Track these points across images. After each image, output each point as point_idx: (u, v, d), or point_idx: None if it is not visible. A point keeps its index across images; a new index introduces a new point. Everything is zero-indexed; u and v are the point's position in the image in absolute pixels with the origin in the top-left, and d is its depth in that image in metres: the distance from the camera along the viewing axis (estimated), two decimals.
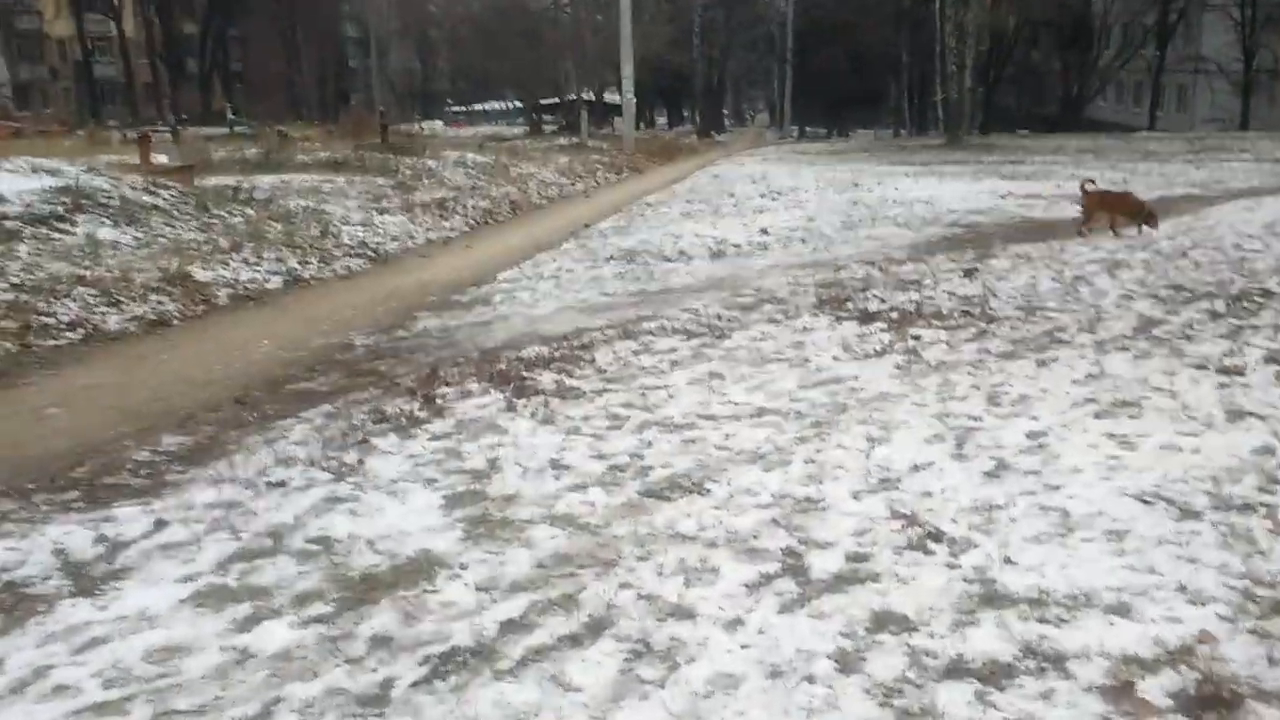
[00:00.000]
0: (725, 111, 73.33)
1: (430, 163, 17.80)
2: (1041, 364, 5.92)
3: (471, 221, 13.80)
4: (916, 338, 6.64)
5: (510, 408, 5.23)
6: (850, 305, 7.66)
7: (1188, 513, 3.76)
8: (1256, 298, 7.57)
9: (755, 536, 3.68)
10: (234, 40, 63.48)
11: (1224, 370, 5.60)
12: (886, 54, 51.68)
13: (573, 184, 20.00)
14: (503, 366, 6.01)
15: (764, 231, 12.11)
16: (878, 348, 6.44)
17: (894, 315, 7.27)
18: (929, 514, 3.83)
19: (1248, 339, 6.33)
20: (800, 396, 5.39)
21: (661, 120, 69.77)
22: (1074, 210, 13.80)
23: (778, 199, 16.24)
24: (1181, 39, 46.02)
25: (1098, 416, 4.93)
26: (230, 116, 39.65)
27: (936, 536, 3.63)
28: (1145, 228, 11.22)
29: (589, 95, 53.65)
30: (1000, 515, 3.80)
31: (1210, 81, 44.34)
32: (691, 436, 4.77)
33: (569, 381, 5.73)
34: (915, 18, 45.15)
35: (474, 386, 5.59)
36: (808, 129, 57.39)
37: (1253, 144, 31.64)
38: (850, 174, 21.66)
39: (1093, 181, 12.06)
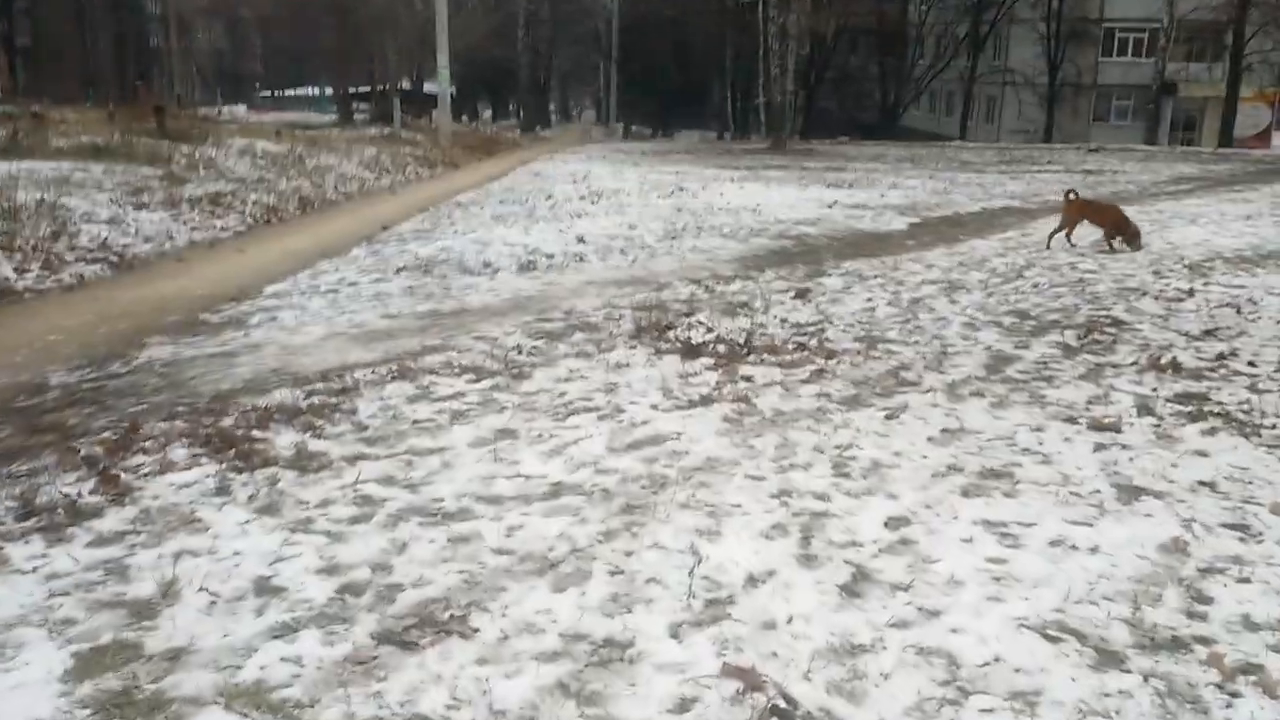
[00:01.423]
0: (552, 107, 72.03)
1: (211, 151, 15.89)
2: (891, 415, 5.02)
3: (250, 220, 12.14)
4: (748, 379, 5.67)
5: (222, 488, 3.92)
6: (673, 334, 6.63)
7: (1107, 657, 2.84)
8: (1107, 328, 6.97)
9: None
10: (20, 12, 57.76)
11: (1097, 426, 4.83)
12: (711, 53, 51.60)
13: (378, 179, 18.40)
14: (229, 421, 4.67)
15: (581, 240, 11.01)
16: (704, 391, 5.42)
17: (721, 349, 6.28)
18: (774, 664, 2.79)
19: (1111, 382, 5.64)
20: (609, 466, 4.29)
21: (486, 114, 67.90)
22: (900, 223, 13.33)
23: (598, 202, 15.18)
24: (991, 50, 47.67)
25: (966, 494, 4.03)
26: None
27: (786, 712, 2.58)
28: (1117, 244, 10.74)
29: (406, 85, 51.44)
30: (868, 665, 2.79)
31: (1018, 93, 46.10)
32: (463, 532, 3.60)
33: (314, 444, 4.45)
34: (740, 19, 45.08)
35: (180, 454, 4.24)
36: (634, 127, 56.79)
37: (1059, 155, 32.78)
38: (675, 176, 20.86)
39: (1075, 192, 11.48)
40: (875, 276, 9.12)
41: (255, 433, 4.52)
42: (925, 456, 4.46)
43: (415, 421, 4.82)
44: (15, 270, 7.87)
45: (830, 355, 6.19)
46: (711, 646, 2.87)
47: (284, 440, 4.45)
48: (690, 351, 6.20)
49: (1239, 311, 7.50)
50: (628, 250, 10.49)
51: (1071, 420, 4.95)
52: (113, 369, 5.76)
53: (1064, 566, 3.37)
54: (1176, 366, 5.94)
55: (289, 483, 4.00)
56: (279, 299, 7.85)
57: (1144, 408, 5.16)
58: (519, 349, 6.24)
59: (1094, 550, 3.49)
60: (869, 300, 8.01)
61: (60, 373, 5.66)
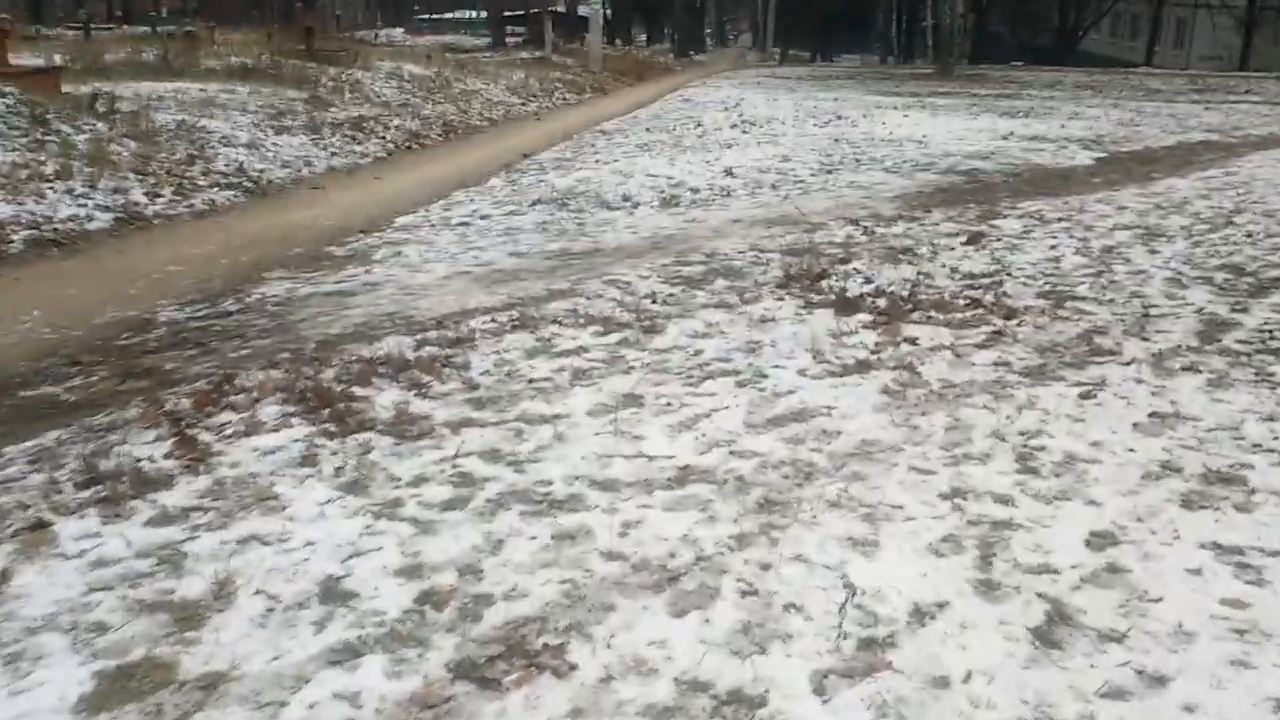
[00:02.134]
0: (708, 32, 70.36)
1: (359, 74, 15.70)
2: (1086, 394, 4.22)
3: (391, 146, 11.86)
4: (912, 341, 4.93)
5: (309, 457, 3.48)
6: (826, 285, 5.91)
7: None
8: None
9: None
10: None
11: None
12: None
13: (524, 104, 17.96)
14: (330, 374, 4.24)
15: (729, 173, 10.27)
16: (861, 355, 4.72)
17: (881, 303, 5.54)
18: None
19: None
20: (746, 447, 3.67)
21: (641, 38, 66.82)
22: (1084, 157, 12.07)
23: (749, 131, 14.33)
24: None
25: (1188, 504, 3.25)
26: (153, 14, 36.66)
27: None
28: None
29: (560, 7, 50.87)
30: None
31: (1211, 15, 42.26)
32: (570, 527, 3.05)
33: (418, 405, 3.98)
34: None
35: (271, 411, 3.83)
36: (791, 52, 54.81)
37: (1258, 84, 29.84)
38: (833, 104, 19.71)
39: None
40: (1059, 220, 8.11)
41: (356, 389, 4.08)
42: (1131, 450, 3.67)
43: (531, 381, 4.30)
44: (146, 195, 7.71)
45: (1009, 314, 5.37)
46: (866, 714, 2.25)
47: (385, 399, 4.00)
48: (845, 305, 5.48)
49: None
50: (780, 185, 9.71)
51: None
52: (224, 306, 5.45)
53: None
54: None
55: (383, 452, 3.53)
56: (408, 232, 7.45)
57: None
58: (653, 297, 5.64)
59: None
60: (1053, 248, 7.07)
61: (171, 308, 5.38)
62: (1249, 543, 2.99)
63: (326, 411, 3.83)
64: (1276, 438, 3.77)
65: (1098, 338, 5.03)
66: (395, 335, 4.87)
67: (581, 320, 5.19)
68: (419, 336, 4.83)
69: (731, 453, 3.62)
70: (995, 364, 4.63)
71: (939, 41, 36.31)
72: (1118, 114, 18.42)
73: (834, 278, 6.09)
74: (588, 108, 19.01)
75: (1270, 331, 5.11)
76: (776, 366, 4.56)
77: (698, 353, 4.74)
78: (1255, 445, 3.71)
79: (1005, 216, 8.21)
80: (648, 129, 14.77)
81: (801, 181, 9.97)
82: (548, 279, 6.05)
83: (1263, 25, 41.66)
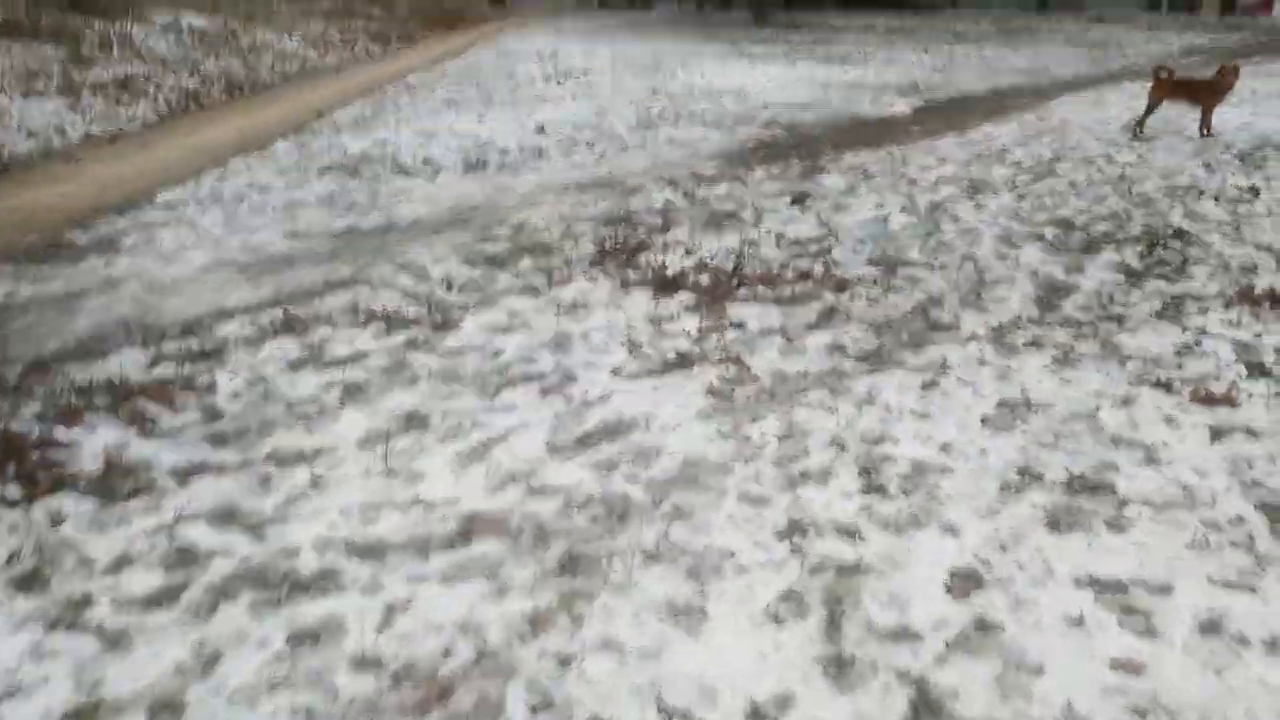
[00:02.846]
0: None
1: (132, 27, 14.11)
2: (929, 384, 3.79)
3: (165, 108, 10.58)
4: (739, 325, 4.40)
5: None
6: (644, 259, 5.33)
7: None
8: (1171, 242, 5.71)
9: None
10: None
11: (1205, 399, 3.61)
12: None
13: (323, 57, 16.64)
14: (32, 408, 3.39)
15: (541, 130, 9.55)
16: (683, 346, 4.16)
17: (704, 280, 5.00)
18: None
19: (1199, 322, 4.41)
20: (549, 481, 3.05)
21: None
22: (902, 105, 11.89)
23: (564, 83, 13.58)
24: None
25: (1054, 524, 2.83)
26: None
27: None
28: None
29: None
30: None
31: None
32: (313, 623, 2.37)
33: (137, 449, 3.18)
34: None
35: None
36: None
37: (1060, 24, 30.93)
38: (652, 53, 19.11)
39: (1167, 69, 9.72)
40: (883, 173, 7.76)
41: (60, 431, 3.25)
42: (984, 451, 3.25)
43: (291, 404, 3.56)
44: None
45: (841, 286, 4.92)
46: None
47: (95, 444, 3.19)
48: (665, 285, 4.91)
49: None
50: (595, 142, 9.06)
51: (1165, 387, 3.73)
52: None
53: (1234, 681, 2.19)
54: (1275, 298, 4.70)
55: (78, 524, 2.75)
56: (169, 211, 6.46)
57: (1253, 364, 3.94)
58: (448, 283, 4.94)
59: (1273, 647, 2.30)
60: (880, 205, 6.69)
61: None
62: (1130, 574, 2.58)
63: (13, 467, 3.00)
64: (1136, 426, 3.41)
65: (934, 310, 4.63)
66: (128, 349, 4.02)
67: (362, 317, 4.44)
68: (155, 350, 4.00)
69: (531, 490, 3.00)
70: (830, 348, 4.15)
71: None
72: (930, 58, 18.51)
73: (653, 250, 5.52)
74: (394, 60, 17.82)
75: (1109, 295, 4.82)
76: (588, 365, 3.96)
77: (497, 353, 4.08)
78: (1115, 439, 3.33)
79: (829, 172, 7.81)
80: (456, 83, 13.82)
81: (618, 138, 9.34)
82: (328, 265, 5.24)
83: None
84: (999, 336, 4.29)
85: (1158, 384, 3.76)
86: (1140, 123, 9.58)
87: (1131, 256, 5.45)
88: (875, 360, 4.04)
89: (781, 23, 31.63)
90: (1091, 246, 5.67)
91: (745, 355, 4.06)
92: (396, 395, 3.66)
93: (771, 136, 9.53)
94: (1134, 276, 5.11)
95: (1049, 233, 5.97)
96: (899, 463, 3.16)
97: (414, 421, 3.45)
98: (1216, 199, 6.82)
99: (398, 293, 4.78)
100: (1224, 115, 10.73)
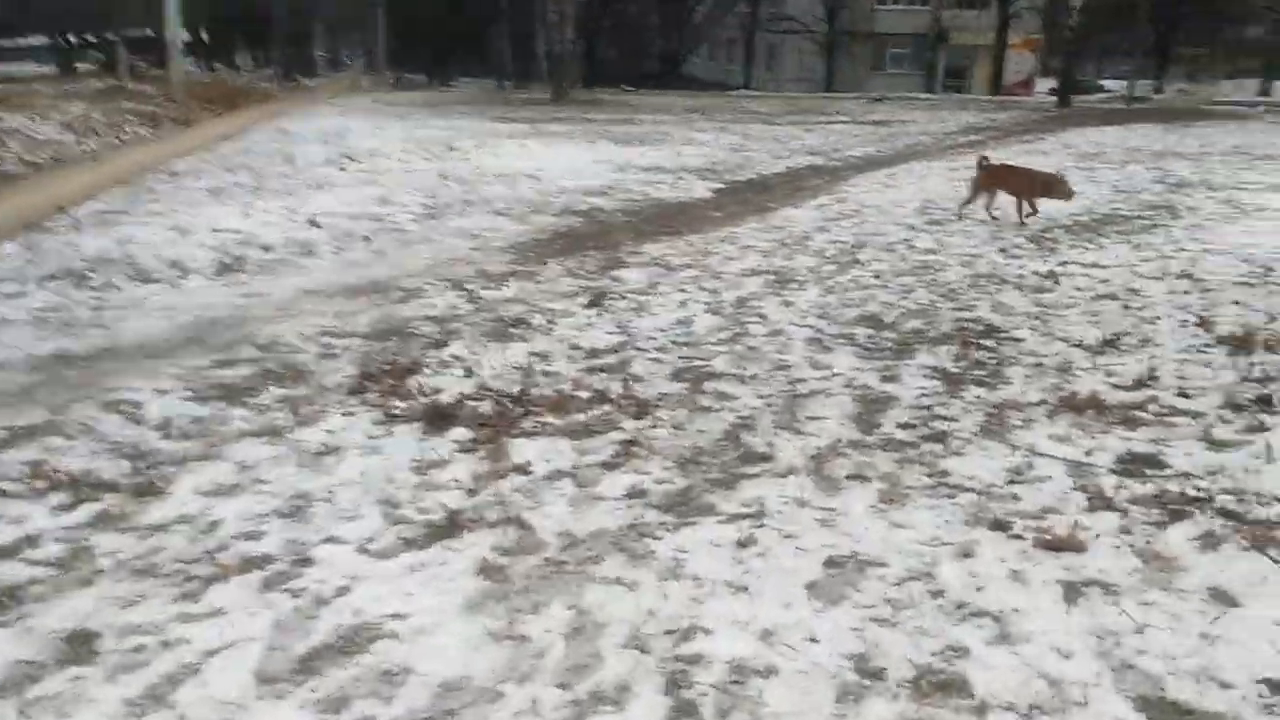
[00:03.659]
0: (318, 53, 66.84)
1: None
2: (745, 540, 3.20)
3: None
4: (524, 469, 3.71)
5: None
6: (414, 384, 4.58)
7: None
8: (982, 341, 5.41)
9: None
10: None
11: (1050, 544, 3.14)
12: None
13: (80, 141, 15.17)
14: None
15: (313, 223, 8.68)
16: (453, 504, 3.43)
17: (485, 408, 4.30)
18: None
19: (1026, 437, 4.02)
20: None
21: (248, 65, 62.17)
22: (701, 189, 11.64)
23: (347, 168, 12.71)
24: None
25: None
26: None
27: None
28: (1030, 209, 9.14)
29: (148, 30, 46.02)
30: None
31: (798, 41, 45.54)
32: None
33: None
34: None
35: None
36: (407, 75, 53.06)
37: (845, 105, 32.27)
38: (446, 133, 18.45)
39: (987, 158, 9.53)
40: (685, 266, 7.31)
41: None
42: (813, 638, 2.65)
43: None
44: None
45: (642, 410, 4.32)
46: None
47: None
48: (437, 418, 4.18)
49: (1126, 306, 6.10)
50: (374, 236, 8.27)
51: (1004, 527, 3.26)
52: None
53: None
54: (1098, 405, 4.38)
55: None
56: None
57: (1091, 491, 3.53)
58: (166, 427, 4.04)
59: None
60: (683, 304, 6.19)
61: None
62: None
63: None
64: (981, 587, 2.90)
65: (746, 434, 4.08)
66: None
67: (41, 484, 3.50)
68: None
69: None
70: (629, 496, 3.51)
71: (552, 67, 36.26)
72: (727, 138, 18.65)
73: (426, 371, 4.78)
74: (163, 143, 16.46)
75: (928, 407, 4.39)
76: (329, 540, 3.17)
77: (213, 525, 3.24)
78: (960, 607, 2.80)
79: (628, 265, 7.30)
80: (228, 168, 12.72)
81: (400, 230, 8.59)
82: (16, 407, 4.24)
83: (842, 49, 45.43)
84: (819, 467, 3.76)
85: (996, 524, 3.28)
86: (962, 206, 9.47)
87: (946, 359, 5.09)
88: (682, 507, 3.43)
89: (581, 100, 31.69)
90: (904, 348, 5.30)
91: (528, 512, 3.36)
92: (63, 604, 2.77)
93: (568, 226, 9.00)
94: (952, 383, 4.73)
95: (860, 333, 5.59)
96: (713, 667, 2.52)
97: (78, 646, 2.58)
98: (1017, 287, 6.66)
99: (98, 444, 3.85)
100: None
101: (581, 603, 2.81)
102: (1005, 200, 9.22)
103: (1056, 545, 3.11)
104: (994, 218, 9.14)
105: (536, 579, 2.95)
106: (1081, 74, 44.62)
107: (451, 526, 3.27)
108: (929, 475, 3.69)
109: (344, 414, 4.23)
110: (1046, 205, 9.11)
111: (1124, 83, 40.13)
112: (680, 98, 34.76)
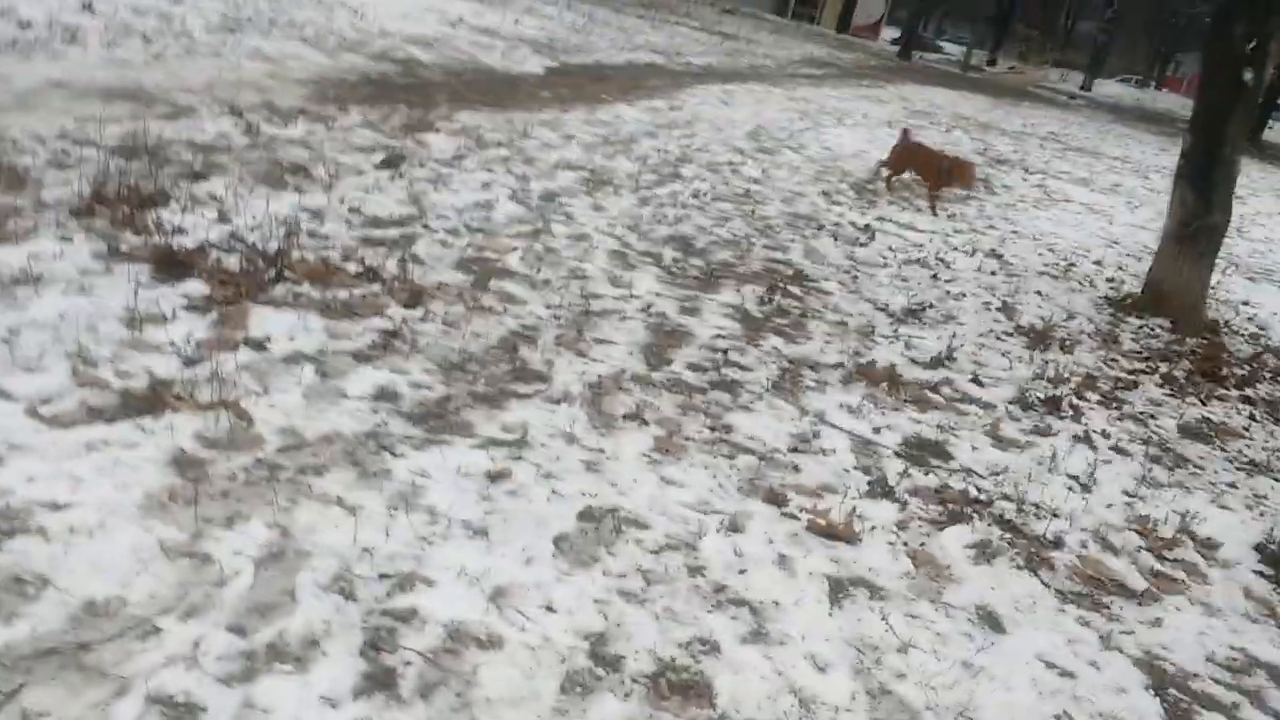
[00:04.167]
0: None
1: None
2: (498, 473, 2.82)
3: None
4: (259, 344, 3.19)
5: None
6: (155, 217, 3.91)
7: None
8: (790, 287, 5.19)
9: None
10: None
11: (824, 530, 2.92)
12: None
13: None
14: None
15: (87, 6, 7.51)
16: (162, 371, 2.88)
17: (233, 262, 3.70)
18: None
19: (816, 403, 3.80)
20: None
21: None
22: (534, 64, 10.97)
23: None
24: None
25: None
26: None
27: None
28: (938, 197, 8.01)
29: None
30: None
31: None
32: None
33: None
34: None
35: None
36: None
37: (696, 10, 31.69)
38: None
39: (909, 131, 8.44)
40: (499, 144, 6.75)
41: None
42: (550, 610, 2.32)
43: None
44: None
45: (415, 297, 3.84)
46: None
47: None
48: (172, 263, 3.56)
49: (935, 277, 6.03)
50: (154, 38, 7.23)
51: (780, 501, 3.02)
52: None
53: None
54: (894, 379, 4.23)
55: None
56: None
57: (873, 477, 3.34)
58: None
59: None
60: (486, 185, 5.67)
61: None
62: None
63: None
64: (744, 569, 2.64)
65: (525, 347, 3.68)
66: None
67: None
68: None
69: None
70: (377, 398, 3.06)
71: None
72: (570, 16, 17.80)
73: (173, 206, 4.10)
74: None
75: (723, 351, 4.11)
76: (1, 396, 2.57)
77: None
78: (718, 591, 2.53)
79: (438, 130, 6.66)
80: None
81: (188, 35, 7.57)
82: None
83: None
84: (595, 399, 3.41)
85: (770, 497, 3.03)
86: (879, 171, 8.57)
87: (751, 300, 4.84)
88: (435, 420, 3.01)
89: None
90: (711, 279, 5.01)
91: (252, 399, 2.85)
92: None
93: (381, 73, 8.20)
94: (752, 328, 4.48)
95: (668, 255, 5.25)
96: (426, 629, 2.14)
97: None
98: (834, 236, 6.49)
99: None
100: (840, 137, 10.84)
101: (289, 522, 2.37)
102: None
103: (830, 533, 2.89)
104: (891, 188, 8.36)
105: (241, 484, 2.47)
106: (923, 30, 45.64)
107: (153, 400, 2.72)
108: (711, 429, 3.41)
109: (60, 238, 3.55)
110: (871, 152, 8.96)
111: (962, 48, 41.32)
112: None
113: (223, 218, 4.11)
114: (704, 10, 32.04)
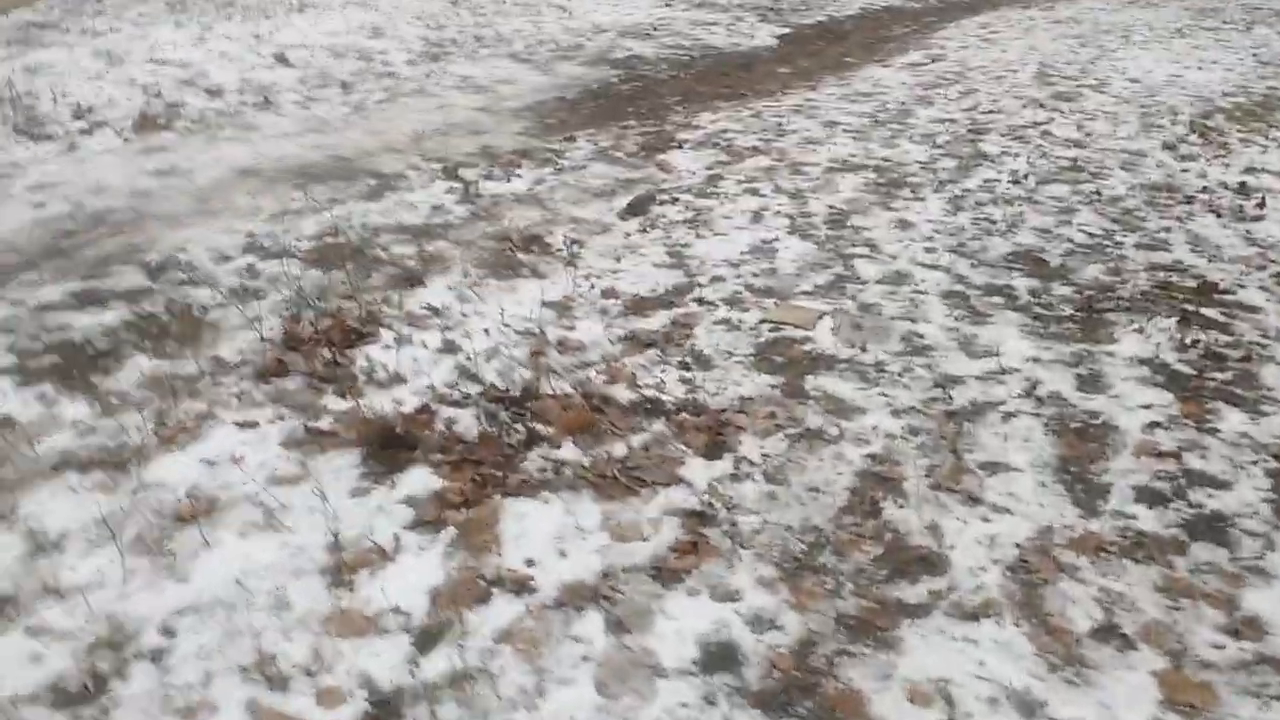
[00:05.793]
0: None
1: None
2: None
3: None
4: (521, 584, 2.12)
5: None
6: (361, 362, 2.94)
7: None
8: (1208, 312, 3.70)
9: None
10: None
11: None
12: None
13: None
14: None
15: (281, 58, 6.85)
16: (386, 676, 1.84)
17: (467, 422, 2.67)
18: None
19: None
20: None
21: None
22: (764, 34, 9.62)
23: None
24: None
25: None
26: None
27: None
28: None
29: None
30: None
31: None
32: None
33: None
34: None
35: None
36: None
37: None
38: None
39: None
40: (754, 150, 5.52)
41: None
42: None
43: None
44: None
45: (715, 436, 2.68)
46: None
47: None
48: (387, 443, 2.55)
49: None
50: (354, 83, 6.45)
51: None
52: None
53: None
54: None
55: None
56: None
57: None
58: None
59: None
60: (757, 216, 4.47)
61: None
62: None
63: None
64: None
65: (887, 501, 2.46)
66: None
67: None
68: None
69: None
70: (705, 666, 1.93)
71: None
72: None
73: (384, 335, 3.13)
74: None
75: (1174, 454, 2.73)
76: None
77: None
78: None
79: (680, 145, 5.51)
80: None
81: (392, 74, 6.75)
82: None
83: None
84: (1029, 599, 2.16)
85: None
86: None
87: (1165, 343, 3.40)
88: (804, 706, 1.85)
89: None
90: (1093, 316, 3.61)
91: (520, 713, 1.78)
92: None
93: (601, 80, 7.12)
94: (1186, 394, 3.07)
95: (1021, 285, 3.88)
96: None
97: None
98: (1212, 209, 4.89)
99: None
100: (1131, 59, 8.90)
101: None
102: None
103: None
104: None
105: None
106: None
107: None
108: (1232, 631, 2.08)
109: (241, 423, 2.62)
110: (1187, 77, 7.06)
111: None
112: None
113: (448, 346, 3.10)
114: None
